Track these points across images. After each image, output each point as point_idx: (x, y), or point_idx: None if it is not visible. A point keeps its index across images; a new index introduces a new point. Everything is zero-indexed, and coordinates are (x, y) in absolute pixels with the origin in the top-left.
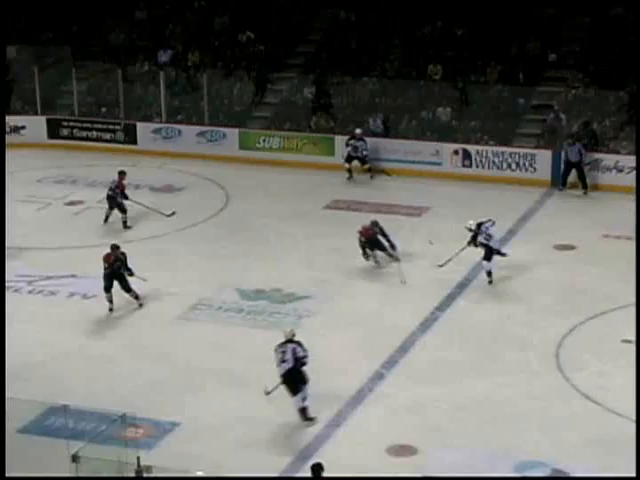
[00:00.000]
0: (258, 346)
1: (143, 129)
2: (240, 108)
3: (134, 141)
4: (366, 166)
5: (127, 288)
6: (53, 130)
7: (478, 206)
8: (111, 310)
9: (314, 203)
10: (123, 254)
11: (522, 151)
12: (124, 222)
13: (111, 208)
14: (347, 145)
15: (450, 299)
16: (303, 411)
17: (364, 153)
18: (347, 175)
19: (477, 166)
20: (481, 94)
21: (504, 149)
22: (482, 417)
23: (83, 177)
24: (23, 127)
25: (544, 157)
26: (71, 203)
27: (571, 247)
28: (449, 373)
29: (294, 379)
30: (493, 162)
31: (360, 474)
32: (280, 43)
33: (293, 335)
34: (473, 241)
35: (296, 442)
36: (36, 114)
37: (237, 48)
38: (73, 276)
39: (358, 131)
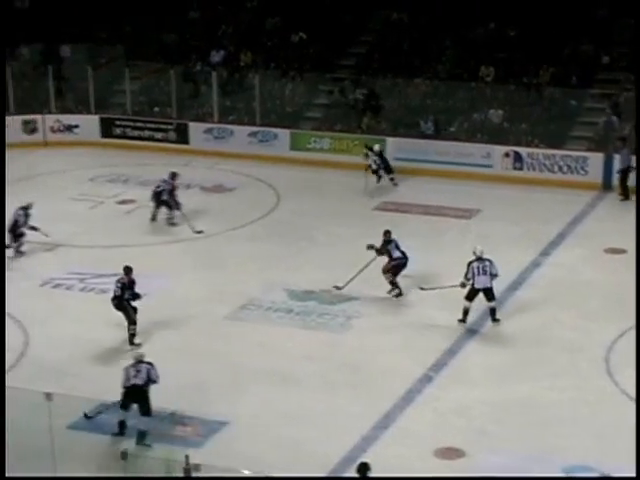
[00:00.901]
0: (307, 346)
1: (195, 129)
2: (291, 109)
3: (186, 141)
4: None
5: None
6: (106, 129)
7: (528, 209)
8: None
9: (364, 204)
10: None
11: (574, 154)
12: (169, 219)
13: (157, 206)
14: (367, 156)
15: (499, 302)
16: (121, 424)
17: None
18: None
19: (528, 169)
20: (533, 96)
21: (555, 152)
22: (529, 420)
23: (135, 176)
24: (76, 126)
25: (596, 160)
26: (123, 202)
27: (622, 251)
28: (497, 376)
29: (137, 396)
30: (544, 165)
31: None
32: (332, 44)
33: (142, 356)
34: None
35: (343, 443)
36: (89, 113)
37: (289, 49)
38: None
39: (377, 147)
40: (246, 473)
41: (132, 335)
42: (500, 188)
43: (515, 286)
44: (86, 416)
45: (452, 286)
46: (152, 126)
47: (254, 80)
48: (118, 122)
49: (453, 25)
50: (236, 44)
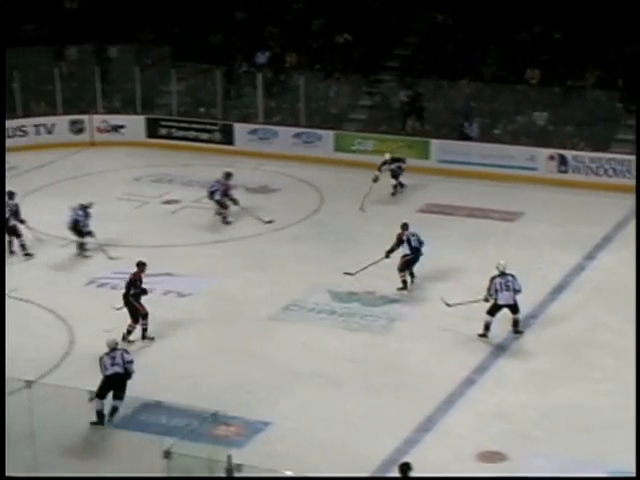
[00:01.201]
0: (349, 348)
1: (240, 130)
2: (336, 110)
3: (231, 141)
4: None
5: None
6: (152, 129)
7: (573, 212)
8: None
9: (408, 206)
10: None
11: (619, 157)
12: (224, 217)
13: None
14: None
15: (543, 306)
16: (99, 414)
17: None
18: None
19: (573, 171)
20: (578, 99)
21: (601, 155)
22: (572, 425)
23: (180, 176)
24: (123, 126)
25: None
26: (167, 202)
27: None
28: (539, 380)
29: (117, 384)
30: (589, 168)
31: None
32: (377, 45)
33: (116, 344)
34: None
35: (384, 445)
36: (136, 113)
37: (334, 50)
38: (168, 274)
39: (387, 156)
40: (288, 474)
41: (144, 330)
42: (544, 191)
43: (559, 289)
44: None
45: (476, 300)
46: (197, 127)
47: (299, 81)
48: (164, 122)
49: (498, 27)
50: (281, 45)
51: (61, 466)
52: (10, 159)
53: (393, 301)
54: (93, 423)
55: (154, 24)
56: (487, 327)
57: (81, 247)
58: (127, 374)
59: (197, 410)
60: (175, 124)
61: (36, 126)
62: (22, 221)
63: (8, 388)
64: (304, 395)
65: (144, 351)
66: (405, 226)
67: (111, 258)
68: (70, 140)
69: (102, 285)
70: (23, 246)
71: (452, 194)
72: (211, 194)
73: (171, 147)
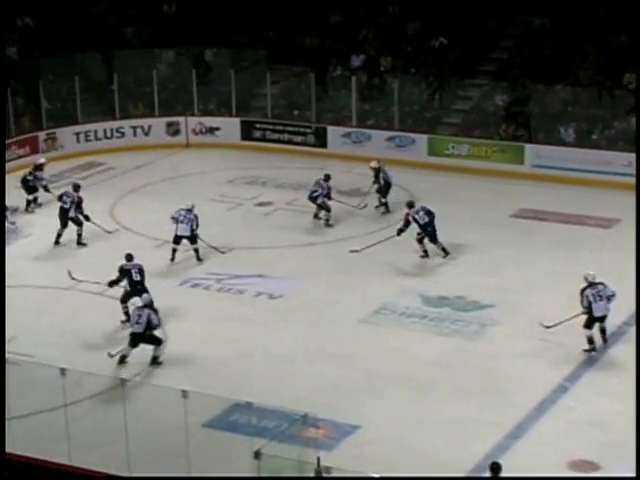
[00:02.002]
0: (440, 353)
1: (333, 132)
2: (430, 114)
3: (324, 144)
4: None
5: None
6: (246, 132)
7: None
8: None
9: (501, 211)
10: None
11: None
12: (327, 220)
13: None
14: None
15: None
16: (123, 358)
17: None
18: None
19: None
20: None
21: None
22: None
23: (273, 179)
24: (218, 128)
25: None
26: (260, 204)
27: None
28: (633, 389)
29: (140, 340)
30: None
31: None
32: (472, 49)
33: (151, 301)
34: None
35: (474, 451)
36: (231, 116)
37: (429, 53)
38: (260, 276)
39: (373, 164)
40: (376, 477)
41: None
42: None
43: None
44: (110, 355)
45: (575, 316)
46: (291, 129)
47: (393, 85)
48: (258, 125)
49: (596, 30)
50: (376, 48)
51: (152, 465)
52: (108, 160)
53: (485, 306)
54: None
55: (250, 27)
56: (590, 341)
57: (197, 252)
58: (147, 332)
59: (287, 412)
60: (269, 127)
61: (133, 128)
62: (87, 217)
63: (104, 386)
64: (394, 399)
65: (236, 351)
66: (410, 204)
67: (223, 252)
68: (166, 142)
69: (195, 285)
70: (79, 236)
71: (546, 200)
72: (313, 198)
73: (265, 149)
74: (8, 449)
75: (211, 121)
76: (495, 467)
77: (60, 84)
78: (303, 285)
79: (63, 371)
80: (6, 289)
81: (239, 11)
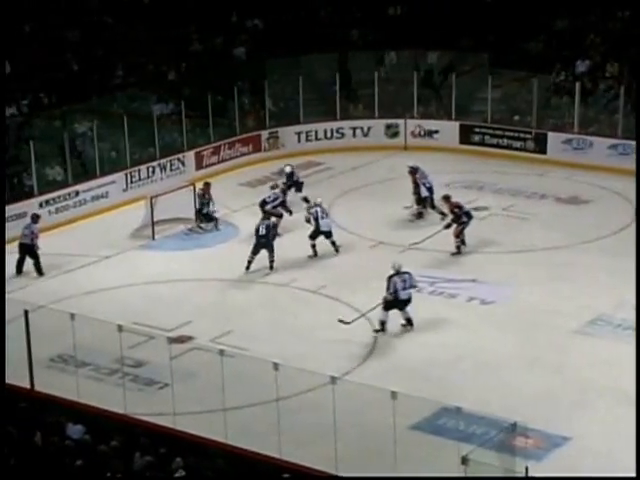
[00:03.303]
0: None
1: (554, 139)
2: None
3: (543, 151)
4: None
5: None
6: (465, 136)
7: None
8: None
9: None
10: None
11: None
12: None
13: None
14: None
15: None
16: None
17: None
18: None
19: None
20: None
21: None
22: None
23: (490, 184)
24: (436, 131)
25: None
26: (476, 209)
27: None
28: None
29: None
30: None
31: None
32: None
33: (400, 266)
34: None
35: None
36: (450, 119)
37: None
38: (473, 280)
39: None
40: None
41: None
42: None
43: None
44: (343, 321)
45: None
46: (511, 134)
47: (619, 91)
48: (477, 129)
49: None
50: (602, 54)
51: (359, 464)
52: (326, 160)
53: None
54: (376, 330)
55: (473, 31)
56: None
57: (335, 245)
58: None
59: (496, 419)
60: (489, 131)
61: (353, 129)
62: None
63: (312, 383)
64: (607, 413)
65: (447, 357)
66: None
67: (414, 243)
68: (385, 143)
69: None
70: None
71: None
72: None
73: (483, 154)
74: (222, 439)
75: (430, 124)
76: None
77: (285, 84)
78: (515, 292)
79: (276, 366)
80: (223, 284)
81: (462, 14)
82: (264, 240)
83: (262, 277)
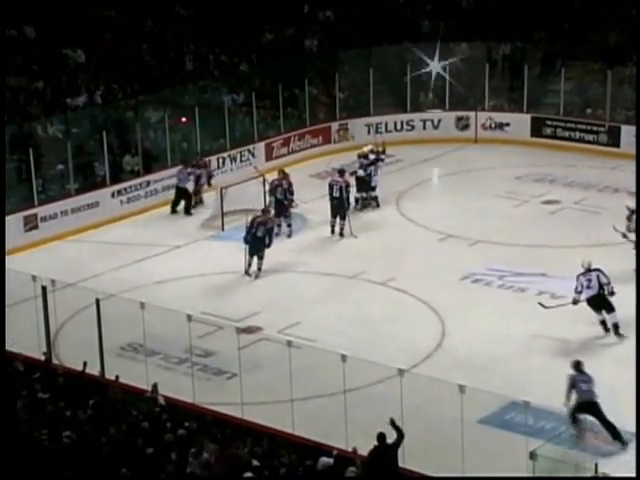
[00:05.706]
0: None
1: (627, 132)
2: None
3: (617, 144)
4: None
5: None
6: (536, 128)
7: None
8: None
9: None
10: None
11: None
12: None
13: None
14: None
15: None
16: (615, 326)
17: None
18: None
19: None
20: None
21: None
22: None
23: (562, 177)
24: (507, 124)
25: None
26: (547, 202)
27: None
28: None
29: (598, 303)
30: None
31: None
32: None
33: (590, 264)
34: None
35: None
36: (521, 112)
37: None
38: (543, 275)
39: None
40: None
41: None
42: None
43: None
44: (543, 305)
45: None
46: (583, 127)
47: None
48: (549, 122)
49: None
50: None
51: (427, 457)
52: (397, 152)
53: None
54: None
55: (546, 22)
56: None
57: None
58: (604, 295)
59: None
60: (561, 124)
61: (423, 121)
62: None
63: (380, 375)
64: None
65: (513, 350)
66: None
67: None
68: (455, 136)
69: (476, 281)
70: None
71: None
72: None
73: (554, 147)
74: (289, 429)
75: (501, 117)
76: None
77: (355, 76)
78: None
79: (344, 358)
80: (291, 275)
81: (535, 5)
82: (337, 202)
83: (330, 267)
